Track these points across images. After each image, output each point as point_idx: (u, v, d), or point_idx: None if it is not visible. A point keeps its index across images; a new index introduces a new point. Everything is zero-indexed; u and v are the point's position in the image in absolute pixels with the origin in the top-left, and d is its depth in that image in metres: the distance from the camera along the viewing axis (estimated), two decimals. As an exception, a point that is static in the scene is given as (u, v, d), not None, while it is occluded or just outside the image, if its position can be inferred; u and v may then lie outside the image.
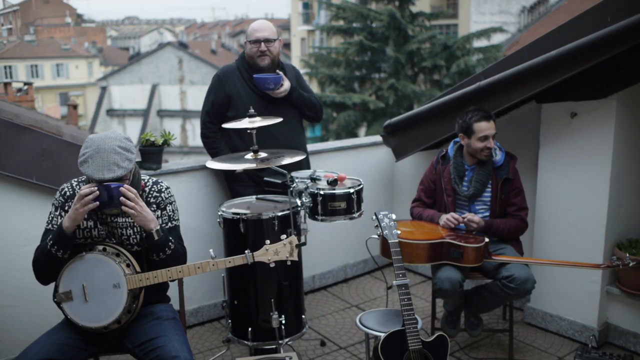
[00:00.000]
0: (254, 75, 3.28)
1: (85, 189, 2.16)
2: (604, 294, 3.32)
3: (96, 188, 2.15)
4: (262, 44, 3.29)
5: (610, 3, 2.87)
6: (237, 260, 2.35)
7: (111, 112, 34.77)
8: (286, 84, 3.33)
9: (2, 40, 35.82)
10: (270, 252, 2.37)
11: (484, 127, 3.03)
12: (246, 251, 2.36)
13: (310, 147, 3.97)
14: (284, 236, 2.42)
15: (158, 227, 2.28)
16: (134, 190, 2.21)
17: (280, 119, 3.03)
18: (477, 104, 3.26)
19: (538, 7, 22.60)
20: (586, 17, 2.99)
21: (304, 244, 3.08)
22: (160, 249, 2.31)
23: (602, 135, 3.17)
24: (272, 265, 2.40)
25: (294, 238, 2.41)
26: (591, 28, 2.88)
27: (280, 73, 3.35)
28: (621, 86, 3.11)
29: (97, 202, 2.16)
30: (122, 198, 2.18)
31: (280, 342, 2.97)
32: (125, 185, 2.20)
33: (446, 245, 2.91)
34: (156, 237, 2.28)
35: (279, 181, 3.07)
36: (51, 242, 2.20)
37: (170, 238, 2.35)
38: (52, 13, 46.73)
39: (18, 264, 3.03)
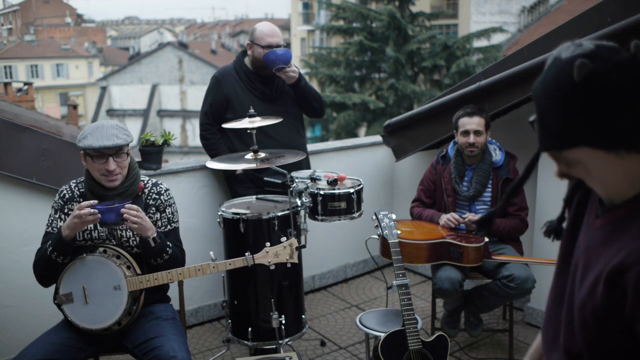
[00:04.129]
0: (265, 54, 3.19)
1: (84, 206, 2.15)
2: (604, 294, 3.31)
3: (97, 210, 2.14)
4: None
5: (610, 3, 2.87)
6: (237, 262, 2.35)
7: (111, 112, 34.78)
8: (294, 67, 3.27)
9: (2, 40, 35.82)
10: (270, 255, 2.37)
11: (465, 122, 3.08)
12: (246, 253, 2.36)
13: (310, 147, 3.96)
14: (284, 238, 2.42)
15: (155, 235, 2.28)
16: (136, 207, 2.22)
17: (280, 119, 3.03)
18: (477, 104, 3.26)
19: (538, 7, 22.60)
20: (586, 17, 2.99)
21: (304, 246, 3.07)
22: (158, 254, 2.31)
23: (602, 135, 3.16)
24: (272, 267, 2.40)
25: (294, 240, 2.41)
26: (591, 28, 2.87)
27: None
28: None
29: (98, 216, 2.15)
30: (125, 215, 2.18)
31: (280, 342, 2.97)
32: (127, 205, 2.20)
33: (446, 245, 2.91)
34: (153, 244, 2.28)
35: (279, 181, 3.07)
36: (50, 248, 2.20)
37: (169, 243, 2.35)
38: (52, 13, 46.75)
39: (18, 264, 3.03)
